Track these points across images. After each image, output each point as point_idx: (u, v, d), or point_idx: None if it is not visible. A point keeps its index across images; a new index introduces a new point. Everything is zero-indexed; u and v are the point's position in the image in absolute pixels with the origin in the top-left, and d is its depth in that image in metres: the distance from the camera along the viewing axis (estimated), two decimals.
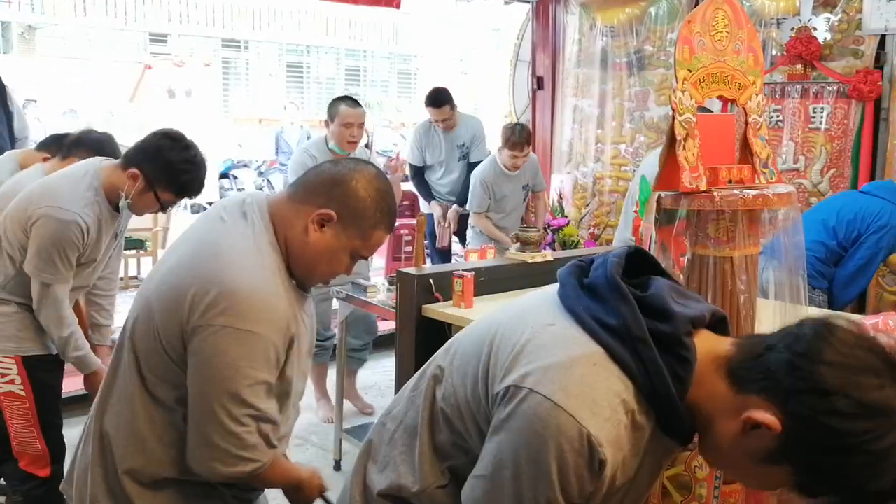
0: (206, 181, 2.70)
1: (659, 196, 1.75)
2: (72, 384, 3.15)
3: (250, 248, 1.58)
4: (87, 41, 11.61)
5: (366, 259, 1.77)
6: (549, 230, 5.23)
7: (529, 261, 3.43)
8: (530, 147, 5.10)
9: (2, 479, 3.16)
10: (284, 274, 1.62)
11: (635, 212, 3.61)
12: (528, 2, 6.31)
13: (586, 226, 6.09)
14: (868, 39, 4.49)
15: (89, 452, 1.71)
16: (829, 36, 4.65)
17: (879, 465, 0.99)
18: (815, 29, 4.65)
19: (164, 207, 2.70)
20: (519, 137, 4.91)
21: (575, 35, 6.20)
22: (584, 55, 6.15)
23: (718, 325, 1.22)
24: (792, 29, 4.72)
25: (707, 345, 1.14)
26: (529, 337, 1.14)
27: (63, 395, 2.95)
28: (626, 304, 1.12)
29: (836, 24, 4.62)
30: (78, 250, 2.60)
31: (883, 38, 4.44)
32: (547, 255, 3.57)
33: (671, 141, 1.69)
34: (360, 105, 4.31)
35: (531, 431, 1.07)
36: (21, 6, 6.79)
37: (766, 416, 1.02)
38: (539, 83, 6.40)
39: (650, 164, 4.62)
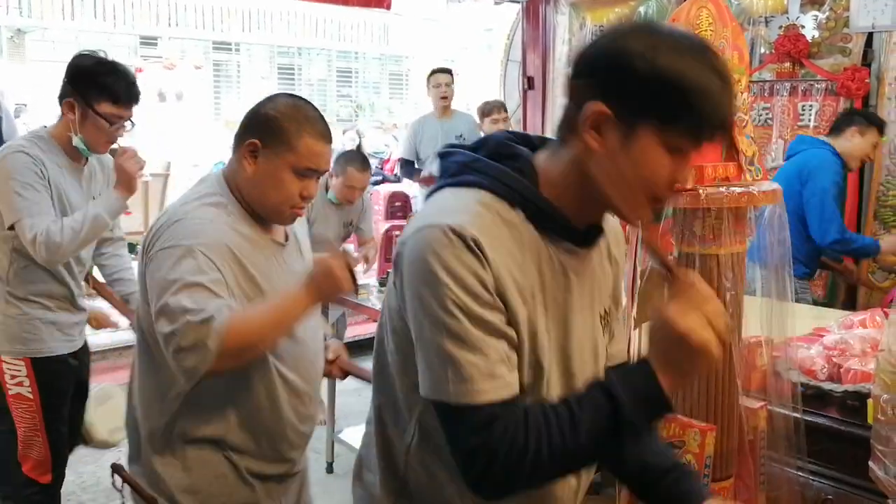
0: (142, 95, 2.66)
1: None
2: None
3: (196, 201, 1.77)
4: (77, 45, 11.57)
5: (318, 172, 1.81)
6: None
7: None
8: (507, 112, 5.64)
9: None
10: (238, 217, 1.77)
11: None
12: (519, 2, 6.31)
13: None
14: (855, 37, 4.51)
15: (128, 426, 1.90)
16: (816, 34, 4.66)
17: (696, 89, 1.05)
18: (802, 27, 4.66)
19: (111, 123, 2.58)
20: (494, 104, 5.59)
21: (565, 35, 6.21)
22: (575, 55, 6.17)
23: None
24: (780, 27, 4.74)
25: (541, 154, 1.21)
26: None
27: None
28: (454, 154, 1.23)
29: (824, 21, 4.64)
30: (39, 177, 2.51)
31: (870, 35, 4.46)
32: None
33: None
34: (368, 167, 4.41)
35: (415, 265, 1.11)
36: (9, 10, 6.76)
37: (589, 107, 1.09)
38: (530, 83, 6.41)
39: None
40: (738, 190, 1.71)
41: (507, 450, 1.08)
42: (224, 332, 1.58)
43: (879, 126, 3.87)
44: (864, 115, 3.96)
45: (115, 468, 1.96)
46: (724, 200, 1.69)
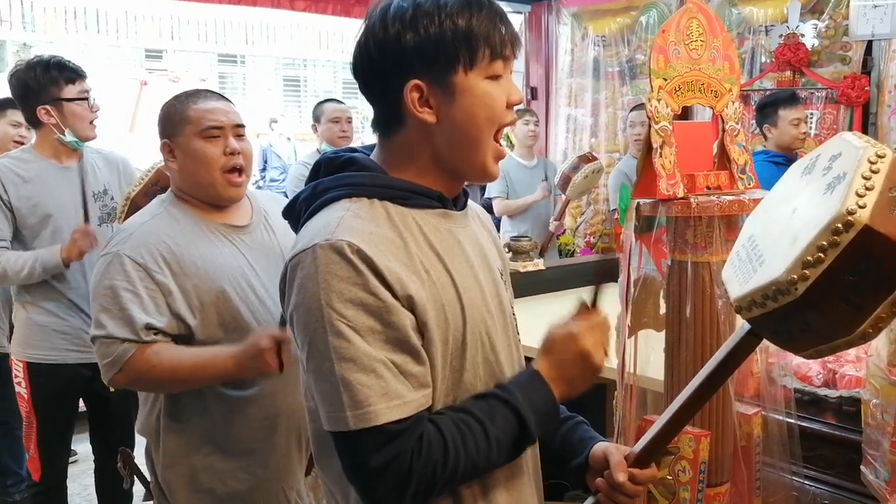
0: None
1: (638, 203, 1.78)
2: None
3: (145, 210, 1.93)
4: (83, 58, 11.58)
5: (221, 127, 1.87)
6: None
7: (522, 270, 3.46)
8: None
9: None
10: (182, 215, 1.88)
11: (616, 219, 3.62)
12: (521, 13, 6.34)
13: (582, 234, 6.10)
14: (855, 45, 4.52)
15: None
16: (816, 42, 4.68)
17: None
18: (802, 36, 4.68)
19: (75, 99, 2.71)
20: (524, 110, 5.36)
21: (567, 45, 6.24)
22: (577, 65, 6.19)
23: None
24: (780, 36, 4.75)
25: (375, 153, 1.24)
26: None
27: None
28: (299, 195, 1.24)
29: (824, 30, 4.65)
30: None
31: (870, 43, 4.47)
32: (539, 264, 3.60)
33: (648, 149, 1.72)
34: (342, 102, 4.50)
35: (296, 298, 1.10)
36: (14, 25, 6.83)
37: (407, 91, 1.13)
38: (533, 93, 6.43)
39: (619, 170, 4.68)
40: (729, 198, 1.73)
41: (422, 466, 1.06)
42: (128, 353, 1.74)
43: (784, 100, 3.91)
44: (762, 111, 4.00)
45: (123, 454, 2.17)
46: (716, 209, 1.71)
